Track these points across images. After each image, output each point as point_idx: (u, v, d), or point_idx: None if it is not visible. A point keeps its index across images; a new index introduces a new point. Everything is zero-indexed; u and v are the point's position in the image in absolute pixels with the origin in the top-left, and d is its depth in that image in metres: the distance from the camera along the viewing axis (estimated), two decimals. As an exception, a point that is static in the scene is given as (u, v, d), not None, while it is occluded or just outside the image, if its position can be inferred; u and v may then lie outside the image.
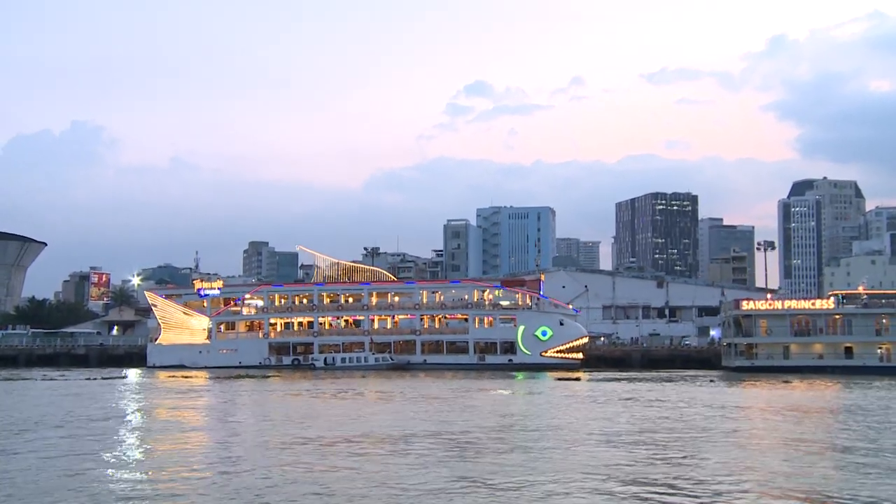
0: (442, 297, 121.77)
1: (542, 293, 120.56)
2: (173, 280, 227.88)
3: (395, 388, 77.91)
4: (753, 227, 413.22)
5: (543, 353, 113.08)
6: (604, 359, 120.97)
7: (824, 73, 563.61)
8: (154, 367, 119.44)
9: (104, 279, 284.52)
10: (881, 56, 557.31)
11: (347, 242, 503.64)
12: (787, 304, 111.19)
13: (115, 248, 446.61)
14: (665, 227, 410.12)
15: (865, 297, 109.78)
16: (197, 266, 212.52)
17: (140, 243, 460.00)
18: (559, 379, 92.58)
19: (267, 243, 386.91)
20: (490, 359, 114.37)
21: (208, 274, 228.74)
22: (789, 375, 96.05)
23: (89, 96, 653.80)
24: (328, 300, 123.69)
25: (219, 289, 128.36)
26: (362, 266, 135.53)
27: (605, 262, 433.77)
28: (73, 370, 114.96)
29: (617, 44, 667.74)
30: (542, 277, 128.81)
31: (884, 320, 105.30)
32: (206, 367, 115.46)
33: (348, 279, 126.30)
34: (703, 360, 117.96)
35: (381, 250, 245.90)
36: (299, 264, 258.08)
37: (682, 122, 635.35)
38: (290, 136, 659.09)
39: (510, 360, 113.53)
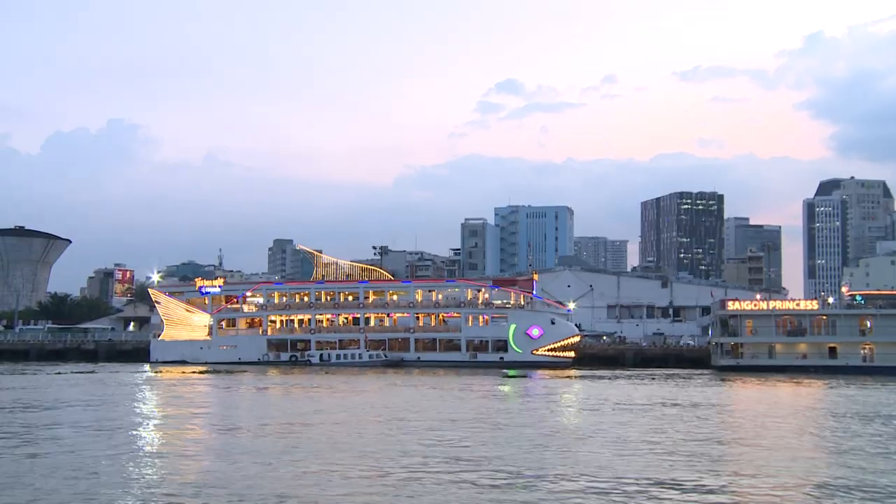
0: (436, 296, 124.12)
1: (534, 293, 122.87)
2: (196, 276, 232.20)
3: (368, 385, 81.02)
4: (780, 227, 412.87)
5: (535, 352, 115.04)
6: (598, 357, 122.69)
7: (860, 70, 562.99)
8: (157, 362, 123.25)
9: (128, 276, 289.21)
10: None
11: (374, 240, 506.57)
12: (773, 304, 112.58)
13: (144, 244, 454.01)
14: (690, 227, 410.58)
15: (849, 297, 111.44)
16: (220, 263, 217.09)
17: (169, 240, 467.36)
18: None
19: (291, 241, 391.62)
20: (482, 356, 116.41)
21: (231, 271, 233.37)
22: (774, 375, 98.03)
23: (125, 95, 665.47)
24: (326, 298, 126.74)
25: (220, 286, 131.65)
26: (360, 264, 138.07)
27: (633, 260, 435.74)
28: (78, 365, 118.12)
29: (650, 42, 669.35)
30: (536, 277, 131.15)
31: (868, 321, 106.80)
32: (206, 363, 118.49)
33: (347, 278, 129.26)
34: (695, 360, 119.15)
35: (401, 248, 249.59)
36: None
37: (716, 120, 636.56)
38: (322, 134, 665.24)
39: (502, 357, 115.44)
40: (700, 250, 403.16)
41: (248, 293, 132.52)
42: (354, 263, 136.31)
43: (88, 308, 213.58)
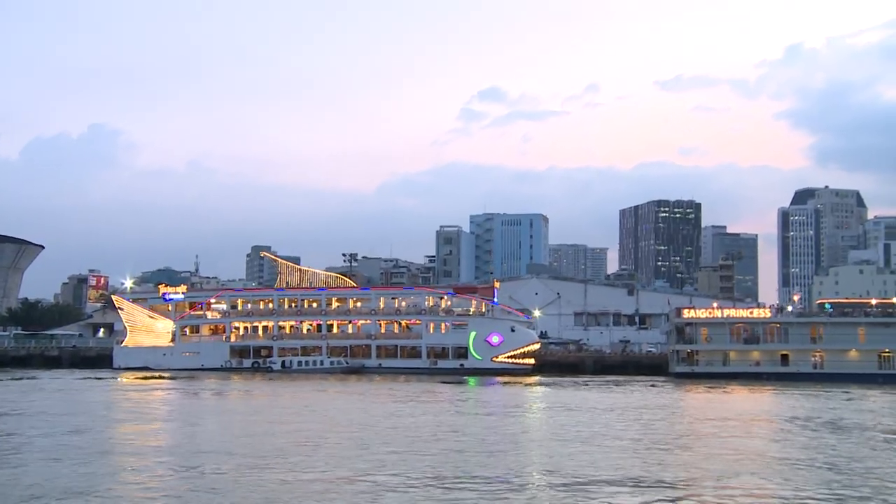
0: (398, 304, 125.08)
1: (495, 300, 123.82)
2: (170, 282, 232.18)
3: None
4: (757, 235, 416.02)
5: (494, 359, 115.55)
6: (558, 364, 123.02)
7: (839, 81, 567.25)
8: (119, 368, 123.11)
9: (102, 282, 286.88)
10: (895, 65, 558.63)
11: (355, 247, 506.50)
12: (727, 312, 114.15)
13: (122, 251, 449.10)
14: (668, 235, 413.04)
15: (801, 306, 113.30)
16: (197, 269, 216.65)
17: (147, 246, 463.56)
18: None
19: (269, 247, 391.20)
20: (442, 363, 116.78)
21: (207, 278, 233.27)
22: (728, 381, 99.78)
23: (107, 100, 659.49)
24: (289, 305, 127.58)
25: (183, 293, 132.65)
26: (324, 272, 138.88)
27: (613, 267, 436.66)
28: (40, 371, 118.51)
29: (632, 51, 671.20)
30: (497, 285, 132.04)
31: (819, 329, 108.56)
32: (169, 369, 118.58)
33: (310, 285, 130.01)
34: (654, 367, 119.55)
35: (383, 255, 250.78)
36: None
37: (697, 129, 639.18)
38: (306, 141, 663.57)
39: (461, 364, 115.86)
40: (677, 258, 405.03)
41: (212, 300, 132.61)
42: (318, 271, 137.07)
43: (59, 314, 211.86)
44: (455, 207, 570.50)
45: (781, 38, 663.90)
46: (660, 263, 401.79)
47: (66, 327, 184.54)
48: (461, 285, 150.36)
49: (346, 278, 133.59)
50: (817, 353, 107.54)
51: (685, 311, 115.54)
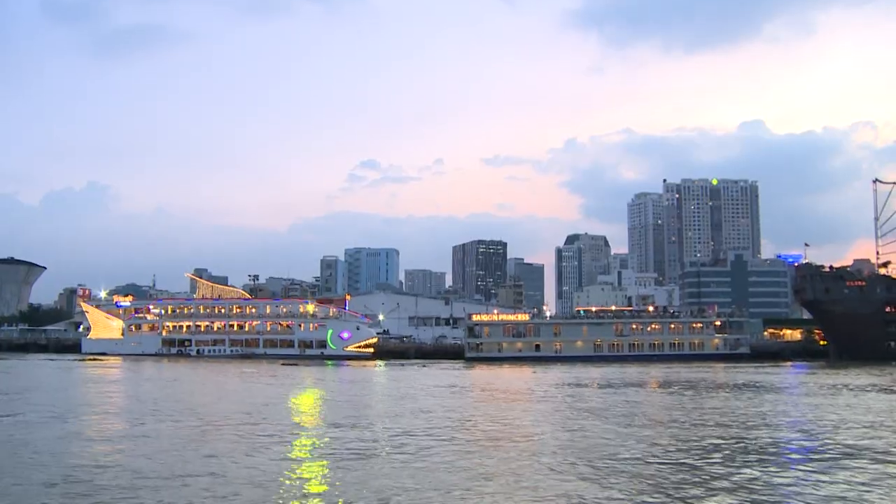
0: (280, 310, 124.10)
1: (346, 308, 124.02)
2: (135, 294, 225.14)
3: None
4: (543, 265, 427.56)
5: (345, 348, 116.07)
6: (391, 352, 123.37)
7: (597, 164, 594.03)
8: (86, 353, 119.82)
9: (87, 292, 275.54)
10: (631, 156, 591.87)
11: (270, 269, 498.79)
12: (501, 316, 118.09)
13: (105, 270, 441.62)
14: (485, 263, 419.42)
15: (552, 312, 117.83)
16: (154, 284, 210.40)
17: (121, 267, 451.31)
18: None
19: (206, 269, 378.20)
20: (309, 351, 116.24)
21: (160, 291, 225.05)
22: (502, 363, 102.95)
23: (100, 163, 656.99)
24: (204, 310, 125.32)
25: (129, 302, 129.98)
26: (227, 287, 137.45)
27: (449, 285, 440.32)
28: (32, 355, 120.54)
29: (466, 137, 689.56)
30: (348, 297, 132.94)
31: (558, 328, 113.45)
32: (119, 354, 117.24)
33: (219, 297, 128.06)
34: (457, 353, 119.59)
35: (291, 277, 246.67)
36: (227, 285, 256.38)
37: (509, 191, 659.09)
38: (238, 194, 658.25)
39: (322, 352, 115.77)
40: (491, 280, 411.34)
41: (150, 306, 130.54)
42: (225, 286, 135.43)
43: (56, 316, 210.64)
44: (342, 242, 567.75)
45: (562, 135, 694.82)
46: (479, 283, 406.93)
47: (57, 325, 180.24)
48: (322, 297, 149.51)
49: (243, 291, 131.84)
50: (558, 343, 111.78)
51: (474, 315, 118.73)
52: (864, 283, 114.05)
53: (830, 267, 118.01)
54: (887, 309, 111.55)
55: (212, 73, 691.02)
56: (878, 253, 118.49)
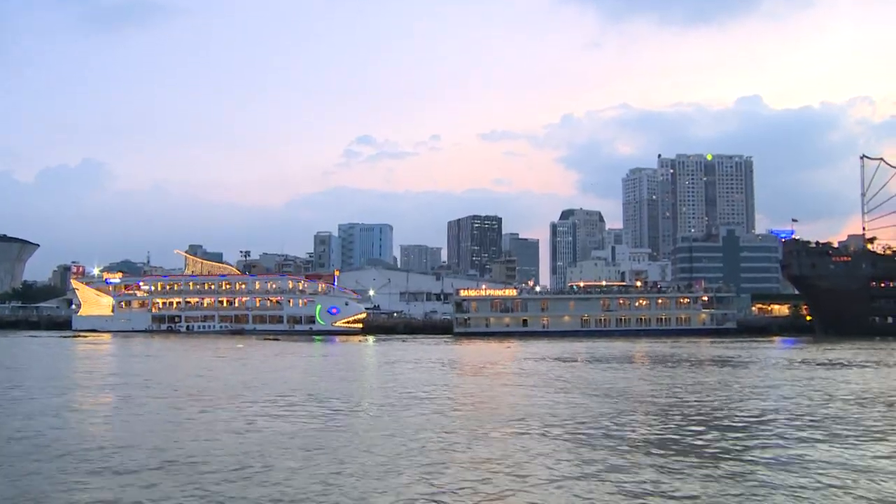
0: (269, 286, 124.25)
1: (335, 284, 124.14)
2: (130, 271, 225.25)
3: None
4: (538, 240, 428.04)
5: (334, 324, 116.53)
6: (380, 327, 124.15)
7: (593, 139, 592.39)
8: (77, 330, 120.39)
9: (81, 269, 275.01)
10: (627, 131, 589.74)
11: (266, 245, 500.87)
12: (488, 291, 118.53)
13: (101, 247, 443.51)
14: (479, 239, 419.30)
15: (538, 288, 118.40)
16: (148, 261, 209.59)
17: (117, 244, 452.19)
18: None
19: (201, 246, 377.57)
20: (298, 327, 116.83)
21: (154, 267, 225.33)
22: (490, 337, 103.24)
23: (96, 140, 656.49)
24: (193, 287, 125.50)
25: (119, 278, 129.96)
26: (217, 263, 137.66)
27: (446, 261, 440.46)
28: (24, 332, 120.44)
29: (463, 113, 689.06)
30: (337, 273, 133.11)
31: (546, 303, 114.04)
32: (109, 331, 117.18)
33: (208, 273, 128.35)
34: (445, 328, 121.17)
35: (287, 253, 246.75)
36: (223, 261, 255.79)
37: (506, 167, 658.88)
38: (235, 171, 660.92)
39: (311, 328, 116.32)
40: (486, 255, 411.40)
41: (140, 283, 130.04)
42: (215, 263, 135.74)
43: (49, 293, 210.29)
44: (339, 218, 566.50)
45: (559, 110, 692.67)
46: (474, 258, 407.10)
47: (49, 302, 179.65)
48: (311, 273, 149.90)
49: (233, 268, 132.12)
50: (545, 318, 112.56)
51: (462, 291, 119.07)
52: (849, 259, 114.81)
53: (817, 242, 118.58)
54: (872, 284, 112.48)
55: (209, 49, 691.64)
56: (864, 229, 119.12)
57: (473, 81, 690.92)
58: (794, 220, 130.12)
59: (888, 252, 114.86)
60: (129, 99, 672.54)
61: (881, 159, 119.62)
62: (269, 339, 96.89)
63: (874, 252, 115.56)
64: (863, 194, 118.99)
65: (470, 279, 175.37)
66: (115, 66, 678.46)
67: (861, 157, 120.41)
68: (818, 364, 54.23)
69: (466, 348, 79.55)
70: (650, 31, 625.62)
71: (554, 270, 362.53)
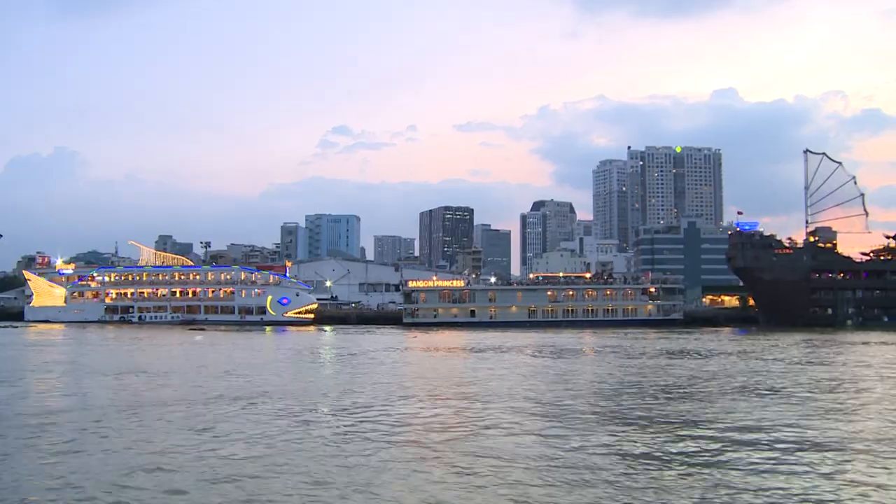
0: (219, 276, 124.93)
1: (286, 275, 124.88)
2: (97, 261, 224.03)
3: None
4: (510, 231, 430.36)
5: (285, 314, 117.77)
6: (331, 318, 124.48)
7: (569, 131, 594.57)
8: (29, 321, 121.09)
9: (46, 260, 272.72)
10: (603, 123, 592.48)
11: (240, 236, 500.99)
12: (437, 282, 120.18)
13: (72, 237, 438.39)
14: (451, 230, 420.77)
15: (535, 277, 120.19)
16: (116, 252, 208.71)
17: (86, 235, 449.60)
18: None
19: (171, 236, 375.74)
20: (249, 318, 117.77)
21: (122, 258, 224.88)
22: (438, 328, 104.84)
23: (68, 129, 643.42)
24: (146, 277, 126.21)
25: (72, 270, 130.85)
26: (171, 255, 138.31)
27: (418, 252, 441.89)
28: None
29: (439, 104, 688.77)
30: (288, 264, 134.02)
31: (493, 294, 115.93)
32: (62, 322, 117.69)
33: (161, 264, 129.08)
34: (396, 319, 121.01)
35: (260, 244, 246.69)
36: (192, 252, 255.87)
37: (483, 157, 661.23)
38: (210, 161, 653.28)
39: (262, 318, 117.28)
40: (457, 246, 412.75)
41: (94, 274, 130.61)
42: (168, 254, 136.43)
43: (10, 284, 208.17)
44: (315, 208, 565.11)
45: (535, 101, 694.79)
46: (445, 249, 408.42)
47: (7, 293, 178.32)
48: (263, 264, 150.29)
49: (184, 258, 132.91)
50: (493, 309, 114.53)
51: (411, 282, 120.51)
52: (791, 251, 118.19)
53: (760, 235, 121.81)
54: (813, 276, 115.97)
55: (185, 38, 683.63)
56: (807, 222, 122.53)
57: (450, 72, 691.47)
58: (739, 213, 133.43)
59: (829, 245, 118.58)
60: (104, 87, 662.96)
61: (824, 154, 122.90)
62: (194, 330, 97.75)
63: (815, 244, 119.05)
64: (806, 188, 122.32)
65: (426, 271, 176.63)
66: (88, 54, 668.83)
67: (805, 152, 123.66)
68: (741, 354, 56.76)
69: (399, 338, 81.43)
70: (627, 23, 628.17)
71: (524, 261, 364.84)
